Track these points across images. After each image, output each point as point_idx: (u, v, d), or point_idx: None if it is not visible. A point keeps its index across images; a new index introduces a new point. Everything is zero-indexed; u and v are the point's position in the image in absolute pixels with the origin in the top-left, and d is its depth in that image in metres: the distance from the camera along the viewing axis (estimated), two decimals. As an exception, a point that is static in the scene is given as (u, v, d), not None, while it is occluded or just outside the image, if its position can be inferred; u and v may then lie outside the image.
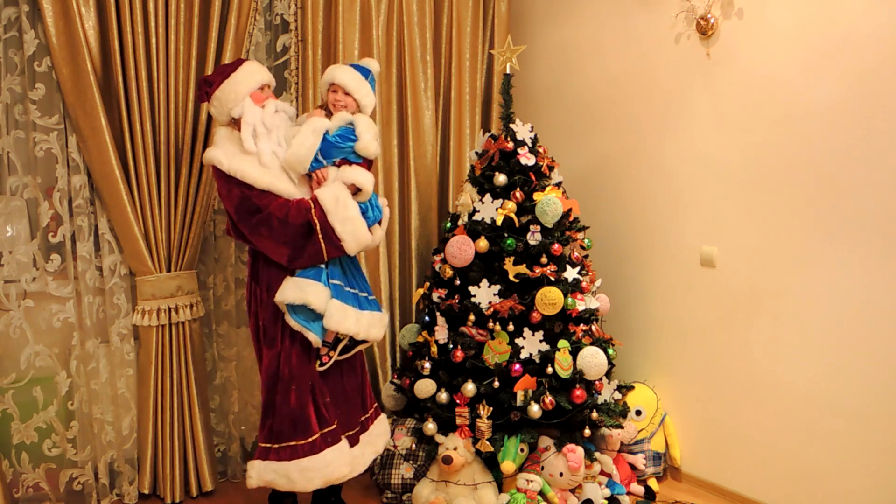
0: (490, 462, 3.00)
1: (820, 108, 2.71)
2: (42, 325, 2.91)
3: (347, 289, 2.65)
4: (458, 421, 2.97)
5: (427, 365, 3.07)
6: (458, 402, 2.98)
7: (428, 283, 3.26)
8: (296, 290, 2.53)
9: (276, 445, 2.57)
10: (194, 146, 3.04)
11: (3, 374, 2.86)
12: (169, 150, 2.99)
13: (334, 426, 2.64)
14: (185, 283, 3.06)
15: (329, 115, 2.70)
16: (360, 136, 2.61)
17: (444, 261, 3.16)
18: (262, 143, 2.57)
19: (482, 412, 2.93)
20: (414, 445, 3.11)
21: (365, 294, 2.73)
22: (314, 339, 2.57)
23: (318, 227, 2.52)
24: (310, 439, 2.57)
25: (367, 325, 2.65)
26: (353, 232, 2.56)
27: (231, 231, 2.66)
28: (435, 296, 3.16)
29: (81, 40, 2.77)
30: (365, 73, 2.74)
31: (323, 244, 2.54)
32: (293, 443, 2.56)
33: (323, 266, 2.60)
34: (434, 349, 3.09)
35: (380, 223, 2.71)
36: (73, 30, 2.76)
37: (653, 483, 3.19)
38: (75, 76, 2.80)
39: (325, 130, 2.59)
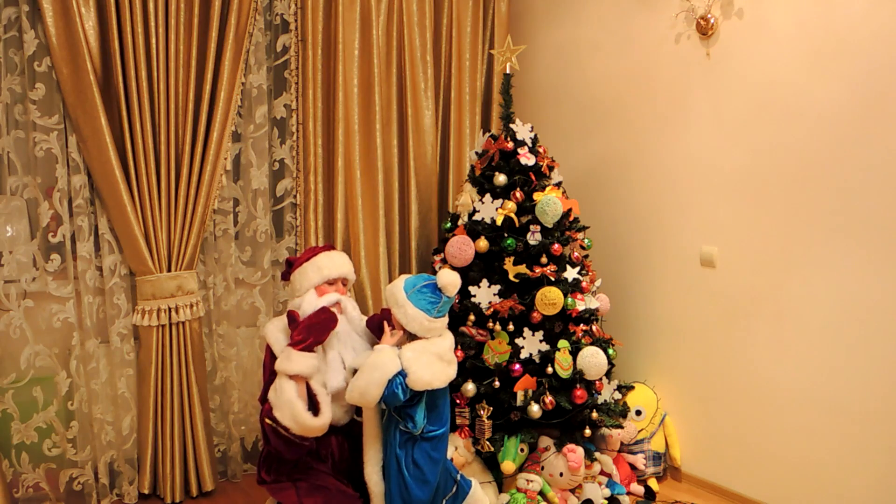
0: (490, 462, 3.00)
1: (820, 108, 2.71)
2: (42, 325, 2.91)
3: None
4: (458, 421, 2.97)
5: (427, 365, 3.06)
6: (458, 401, 2.98)
7: (428, 283, 3.25)
8: None
9: None
10: (194, 146, 3.04)
11: (3, 374, 2.86)
12: (169, 150, 2.99)
13: None
14: (185, 283, 3.06)
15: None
16: (407, 370, 2.39)
17: (444, 261, 3.15)
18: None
19: (482, 412, 2.92)
20: (414, 445, 3.11)
21: None
22: None
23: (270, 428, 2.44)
24: None
25: None
26: (291, 415, 2.39)
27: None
28: (435, 296, 3.15)
29: (81, 40, 2.77)
30: (413, 281, 2.54)
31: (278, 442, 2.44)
32: None
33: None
34: (434, 349, 3.09)
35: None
36: (73, 30, 2.76)
37: (653, 483, 3.19)
38: (75, 76, 2.80)
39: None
